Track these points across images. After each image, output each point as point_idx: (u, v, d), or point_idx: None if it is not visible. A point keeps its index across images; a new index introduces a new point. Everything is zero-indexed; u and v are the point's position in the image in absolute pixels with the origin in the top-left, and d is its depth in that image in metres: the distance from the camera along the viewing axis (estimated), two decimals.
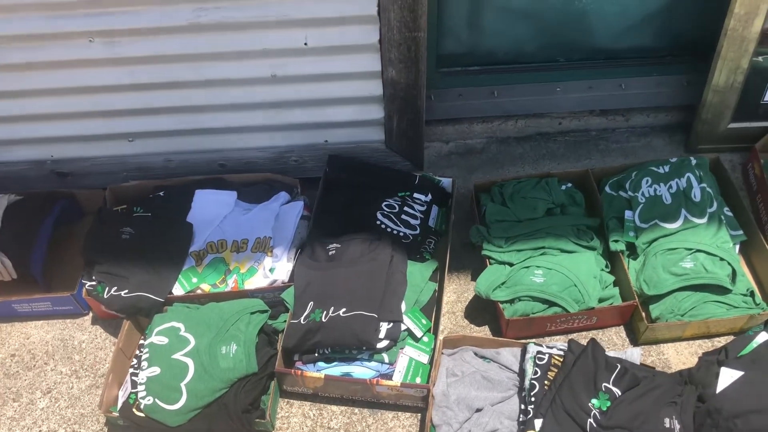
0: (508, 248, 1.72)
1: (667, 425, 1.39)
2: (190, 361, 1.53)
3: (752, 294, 1.66)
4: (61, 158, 2.00)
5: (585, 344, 1.52)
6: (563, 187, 1.86)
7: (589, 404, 1.43)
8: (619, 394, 1.44)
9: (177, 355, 1.54)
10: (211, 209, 1.86)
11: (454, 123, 2.16)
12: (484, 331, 1.75)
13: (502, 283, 1.67)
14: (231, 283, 1.74)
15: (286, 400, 1.65)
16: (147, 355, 1.56)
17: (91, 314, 1.83)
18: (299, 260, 1.72)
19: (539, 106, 2.15)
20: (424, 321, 1.64)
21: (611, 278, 1.72)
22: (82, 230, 1.83)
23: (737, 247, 1.76)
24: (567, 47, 2.09)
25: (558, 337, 1.72)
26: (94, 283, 1.70)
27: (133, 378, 1.55)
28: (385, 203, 1.82)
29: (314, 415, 1.62)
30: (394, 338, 1.57)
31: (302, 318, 1.59)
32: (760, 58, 1.85)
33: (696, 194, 1.76)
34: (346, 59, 1.77)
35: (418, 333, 1.62)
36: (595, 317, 1.68)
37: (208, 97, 1.84)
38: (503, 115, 2.16)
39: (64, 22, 1.64)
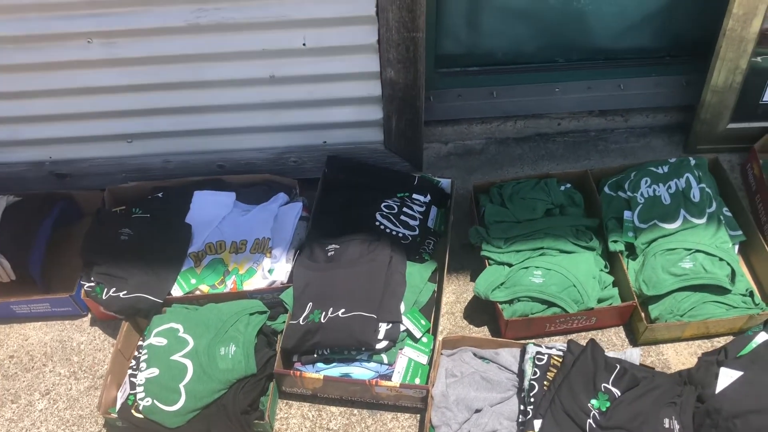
0: (507, 249, 1.72)
1: (667, 425, 1.39)
2: (188, 362, 1.53)
3: (751, 294, 1.66)
4: (60, 159, 2.00)
5: (584, 345, 1.52)
6: (562, 188, 1.86)
7: (589, 405, 1.43)
8: (619, 394, 1.44)
9: (176, 357, 1.54)
10: (209, 210, 1.86)
11: (453, 124, 2.16)
12: (483, 332, 1.75)
13: (501, 284, 1.67)
14: (230, 284, 1.74)
15: (285, 401, 1.64)
16: (146, 357, 1.56)
17: (89, 315, 1.83)
18: (298, 261, 1.71)
19: (538, 106, 2.15)
20: (423, 322, 1.64)
21: (610, 279, 1.72)
22: (80, 231, 1.83)
23: (736, 247, 1.76)
24: (566, 48, 2.09)
25: (557, 337, 1.72)
26: (92, 284, 1.70)
27: (132, 379, 1.55)
28: (384, 204, 1.82)
29: (313, 416, 1.62)
30: (393, 339, 1.56)
31: (301, 319, 1.59)
32: (758, 59, 1.85)
33: (695, 194, 1.76)
34: (345, 60, 1.77)
35: (417, 334, 1.62)
36: (594, 318, 1.68)
37: (206, 98, 1.84)
38: (502, 115, 2.16)
39: (62, 22, 1.64)
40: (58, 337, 1.79)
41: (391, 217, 1.79)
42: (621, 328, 1.74)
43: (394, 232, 1.76)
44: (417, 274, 1.70)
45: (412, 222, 1.80)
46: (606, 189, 1.87)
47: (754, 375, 1.45)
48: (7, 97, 1.81)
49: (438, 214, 1.87)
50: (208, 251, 1.79)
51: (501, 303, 1.66)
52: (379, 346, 1.55)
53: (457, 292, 1.83)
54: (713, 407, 1.42)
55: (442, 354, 1.61)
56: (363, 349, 1.55)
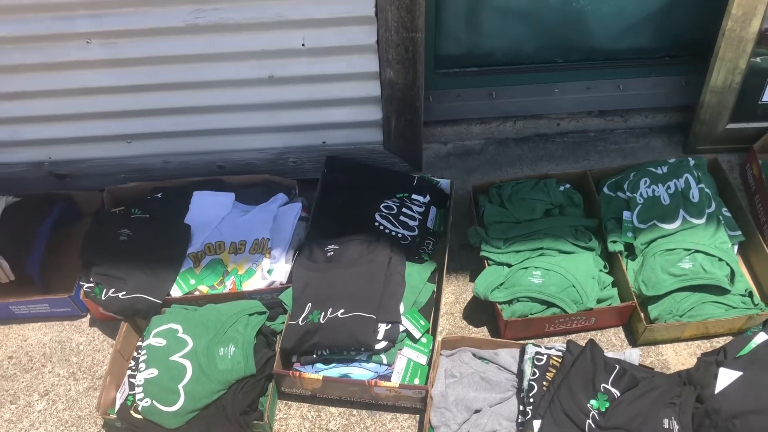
0: (506, 249, 1.72)
1: (666, 426, 1.39)
2: (188, 363, 1.53)
3: (751, 294, 1.66)
4: (59, 160, 2.00)
5: (583, 345, 1.52)
6: (561, 188, 1.86)
7: (588, 405, 1.43)
8: (618, 394, 1.43)
9: (175, 357, 1.54)
10: (209, 211, 1.86)
11: (452, 124, 2.16)
12: (482, 332, 1.75)
13: (501, 284, 1.67)
14: (229, 285, 1.73)
15: (284, 401, 1.64)
16: (145, 357, 1.56)
17: (88, 316, 1.83)
18: (297, 261, 1.71)
19: (537, 107, 2.15)
20: (422, 322, 1.64)
21: (610, 279, 1.72)
22: (80, 232, 1.83)
23: (735, 247, 1.76)
24: (565, 48, 2.09)
25: (556, 337, 1.72)
26: (91, 284, 1.70)
27: (131, 380, 1.55)
28: (383, 204, 1.82)
29: (312, 416, 1.62)
30: (393, 339, 1.56)
31: (300, 319, 1.59)
32: (757, 59, 1.85)
33: (694, 195, 1.76)
34: (344, 60, 1.77)
35: (417, 334, 1.62)
36: (593, 318, 1.68)
37: (206, 98, 1.84)
38: (501, 116, 2.16)
39: (61, 23, 1.64)
40: (57, 338, 1.79)
41: (390, 217, 1.79)
42: (620, 328, 1.74)
43: (393, 233, 1.76)
44: (416, 275, 1.70)
45: (411, 222, 1.80)
46: (605, 189, 1.87)
47: (754, 375, 1.45)
48: (6, 97, 1.81)
49: (437, 214, 1.87)
50: (208, 252, 1.79)
51: (500, 303, 1.66)
52: (378, 346, 1.55)
53: (456, 293, 1.82)
54: (712, 407, 1.42)
55: (441, 354, 1.61)
56: (362, 349, 1.55)
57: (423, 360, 1.61)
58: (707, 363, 1.51)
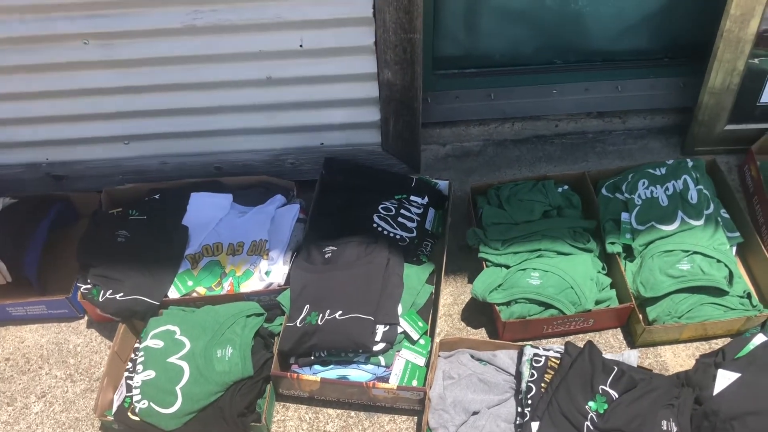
0: (504, 251, 1.72)
1: (665, 428, 1.39)
2: (185, 365, 1.52)
3: (749, 296, 1.66)
4: (56, 161, 2.00)
5: (582, 346, 1.52)
6: (560, 190, 1.86)
7: (586, 407, 1.42)
8: (616, 396, 1.43)
9: (172, 359, 1.53)
10: (206, 212, 1.86)
11: (450, 125, 2.16)
12: (480, 334, 1.75)
13: (499, 286, 1.67)
14: (227, 286, 1.73)
15: (282, 403, 1.64)
16: (142, 359, 1.55)
17: (86, 317, 1.83)
18: (295, 263, 1.71)
19: (536, 108, 2.15)
20: (420, 323, 1.63)
21: (608, 280, 1.71)
22: (77, 233, 1.82)
23: (734, 249, 1.76)
24: (563, 49, 2.09)
25: (555, 339, 1.71)
26: (89, 286, 1.69)
27: (128, 382, 1.55)
28: (381, 206, 1.82)
29: (310, 418, 1.61)
30: (391, 341, 1.56)
31: (298, 321, 1.58)
32: (756, 60, 1.85)
33: (693, 196, 1.76)
34: (342, 61, 1.76)
35: (415, 335, 1.61)
36: (591, 319, 1.68)
37: (203, 99, 1.84)
38: (500, 117, 2.16)
39: (58, 24, 1.64)
40: (55, 340, 1.79)
41: (388, 219, 1.79)
42: (619, 329, 1.73)
43: (391, 234, 1.75)
44: (414, 276, 1.69)
45: (409, 224, 1.80)
46: (603, 191, 1.87)
47: (752, 377, 1.45)
48: (2, 98, 1.81)
49: (435, 215, 1.87)
50: (205, 253, 1.79)
51: (498, 305, 1.65)
52: (376, 348, 1.54)
53: (454, 294, 1.82)
54: (711, 409, 1.42)
55: (439, 356, 1.61)
56: (360, 351, 1.55)
57: (421, 361, 1.60)
58: (706, 364, 1.51)
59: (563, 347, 1.54)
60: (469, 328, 1.76)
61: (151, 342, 1.57)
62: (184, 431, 1.49)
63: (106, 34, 1.67)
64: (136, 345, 1.63)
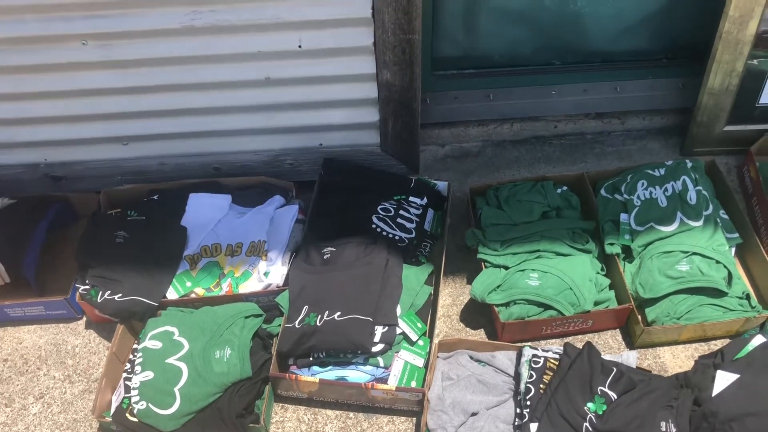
0: (503, 251, 1.72)
1: (663, 429, 1.39)
2: (183, 366, 1.52)
3: (748, 297, 1.66)
4: (55, 162, 1.99)
5: (581, 348, 1.51)
6: (559, 191, 1.86)
7: (585, 408, 1.42)
8: (615, 397, 1.43)
9: (171, 360, 1.53)
10: (205, 213, 1.85)
11: (449, 126, 2.16)
12: (479, 335, 1.75)
13: (498, 287, 1.67)
14: (225, 287, 1.73)
15: (280, 404, 1.64)
16: (140, 360, 1.55)
17: (84, 318, 1.83)
18: (294, 264, 1.71)
19: (535, 109, 2.15)
20: (419, 324, 1.63)
21: (607, 281, 1.71)
22: (76, 234, 1.82)
23: (733, 249, 1.76)
24: (562, 50, 2.09)
25: (553, 340, 1.71)
26: (87, 287, 1.69)
27: (127, 383, 1.54)
28: (380, 207, 1.81)
29: (309, 419, 1.61)
30: (389, 342, 1.56)
31: (297, 322, 1.58)
32: (754, 61, 1.85)
33: (692, 197, 1.76)
34: (341, 62, 1.76)
35: (414, 336, 1.61)
36: (590, 320, 1.68)
37: (202, 100, 1.84)
38: (499, 118, 2.16)
39: (57, 24, 1.64)
40: (53, 341, 1.79)
41: (387, 219, 1.79)
42: (617, 330, 1.73)
43: (390, 235, 1.75)
44: (413, 277, 1.69)
45: (408, 225, 1.80)
46: (602, 192, 1.87)
47: (751, 378, 1.45)
48: (1, 98, 1.80)
49: (434, 216, 1.87)
50: (204, 254, 1.79)
51: (497, 306, 1.65)
52: (374, 349, 1.54)
53: (453, 295, 1.82)
54: (710, 410, 1.41)
55: (438, 357, 1.61)
56: (359, 352, 1.54)
57: (420, 362, 1.60)
58: (704, 366, 1.51)
59: (562, 348, 1.54)
60: (468, 329, 1.76)
61: (150, 343, 1.57)
62: None
63: (104, 35, 1.67)
64: (135, 346, 1.63)
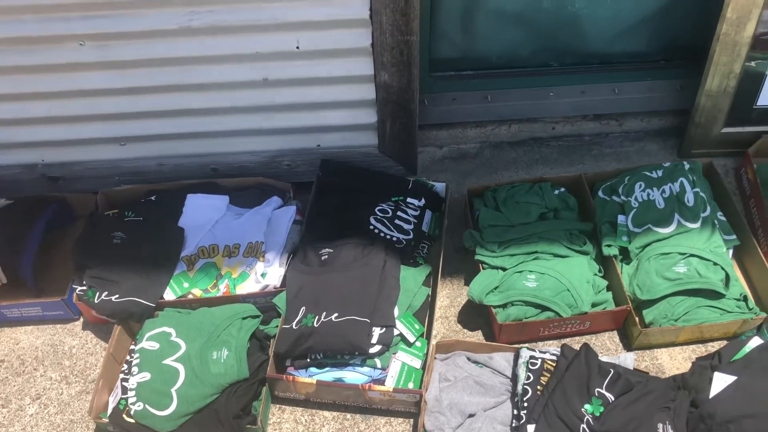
0: (501, 253, 1.72)
1: (661, 430, 1.39)
2: (180, 367, 1.52)
3: (745, 299, 1.66)
4: (52, 162, 1.99)
5: (578, 349, 1.51)
6: (556, 192, 1.86)
7: (582, 409, 1.42)
8: (612, 399, 1.43)
9: (168, 361, 1.53)
10: (202, 214, 1.85)
11: (447, 127, 2.16)
12: (477, 336, 1.75)
13: (495, 288, 1.67)
14: (222, 288, 1.73)
15: (277, 405, 1.64)
16: (137, 361, 1.55)
17: (81, 319, 1.82)
18: (291, 265, 1.71)
19: (533, 110, 2.15)
20: (416, 326, 1.63)
21: (604, 283, 1.71)
22: (73, 235, 1.82)
23: (730, 251, 1.76)
24: (560, 52, 2.09)
25: (551, 341, 1.71)
26: (84, 287, 1.69)
27: (124, 383, 1.54)
28: (378, 208, 1.81)
29: (306, 420, 1.61)
30: (387, 343, 1.56)
31: (294, 323, 1.58)
32: (752, 63, 1.85)
33: (689, 199, 1.76)
34: (339, 63, 1.76)
35: (411, 338, 1.61)
36: (588, 322, 1.68)
37: (200, 100, 1.84)
38: (497, 119, 2.16)
39: (54, 25, 1.63)
40: (50, 341, 1.78)
41: (385, 221, 1.79)
42: (615, 332, 1.73)
43: (388, 236, 1.75)
44: (411, 278, 1.69)
45: (406, 226, 1.80)
46: (600, 193, 1.87)
47: (748, 380, 1.45)
48: None
49: (432, 218, 1.87)
50: (201, 255, 1.78)
51: (495, 307, 1.65)
52: (372, 350, 1.54)
53: (451, 296, 1.82)
54: (707, 412, 1.41)
55: (435, 358, 1.61)
56: (356, 353, 1.54)
57: (417, 364, 1.60)
58: (702, 367, 1.51)
59: (559, 350, 1.54)
60: (465, 330, 1.76)
61: (147, 344, 1.57)
62: None
63: (102, 35, 1.66)
64: (132, 347, 1.63)
